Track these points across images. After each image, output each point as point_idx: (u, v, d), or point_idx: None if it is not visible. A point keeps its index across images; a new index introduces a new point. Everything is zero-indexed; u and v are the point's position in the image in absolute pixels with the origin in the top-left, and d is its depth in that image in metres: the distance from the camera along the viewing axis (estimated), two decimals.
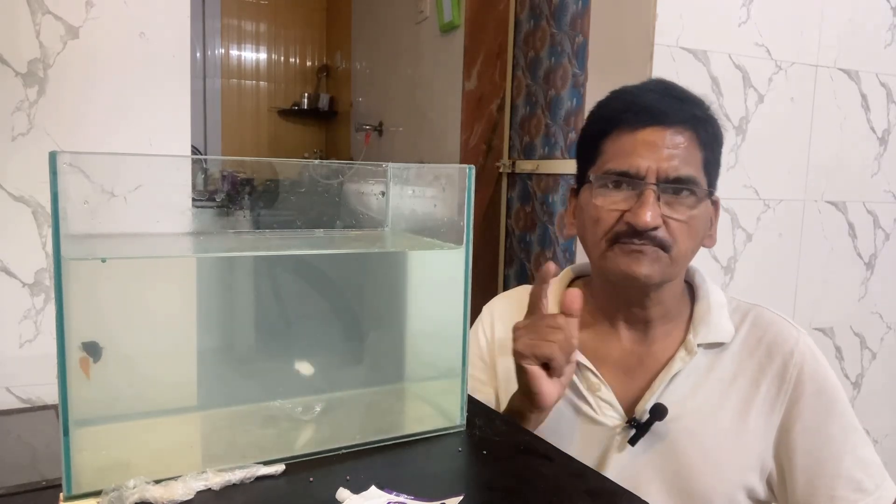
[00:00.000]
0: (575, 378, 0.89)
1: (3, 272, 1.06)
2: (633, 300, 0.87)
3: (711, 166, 0.84)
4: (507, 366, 0.97)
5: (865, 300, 1.70)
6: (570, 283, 0.99)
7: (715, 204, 0.88)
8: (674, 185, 0.80)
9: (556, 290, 0.97)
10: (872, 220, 1.69)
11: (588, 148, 0.87)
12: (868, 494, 0.82)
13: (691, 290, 0.92)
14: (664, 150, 0.79)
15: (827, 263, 1.63)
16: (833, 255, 1.64)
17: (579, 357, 0.89)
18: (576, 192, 0.91)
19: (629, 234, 0.80)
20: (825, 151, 1.59)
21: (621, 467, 0.85)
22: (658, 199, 0.79)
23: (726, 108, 1.45)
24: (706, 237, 0.87)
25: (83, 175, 0.61)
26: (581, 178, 0.89)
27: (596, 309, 0.93)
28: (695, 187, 0.80)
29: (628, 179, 0.80)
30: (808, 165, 1.57)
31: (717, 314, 0.87)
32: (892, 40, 1.63)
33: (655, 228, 0.79)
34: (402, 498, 0.65)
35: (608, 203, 0.82)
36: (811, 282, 1.61)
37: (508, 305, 1.01)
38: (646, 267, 0.80)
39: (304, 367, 0.79)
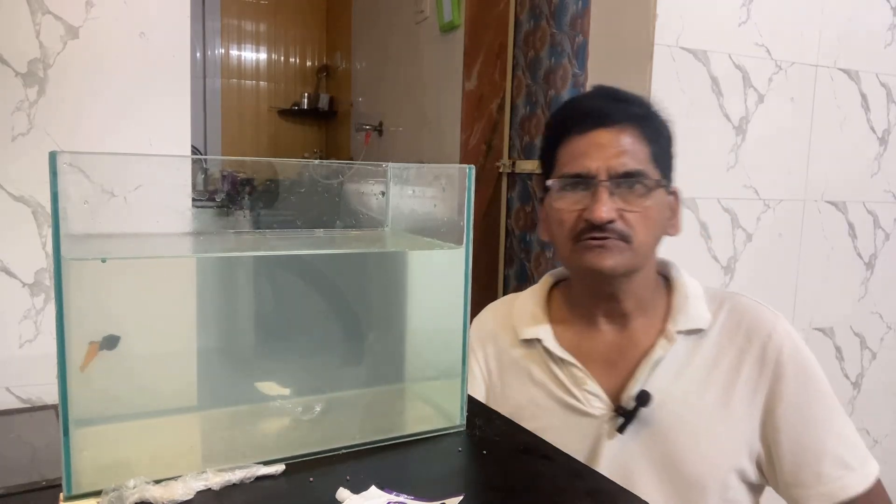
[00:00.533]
0: (561, 374, 0.91)
1: (4, 272, 1.06)
2: (607, 294, 0.91)
3: (661, 159, 0.88)
4: (508, 401, 0.97)
5: (865, 300, 1.71)
6: (551, 288, 1.00)
7: (673, 194, 0.92)
8: (624, 180, 0.85)
9: (538, 295, 0.99)
10: (872, 220, 1.69)
11: (545, 159, 0.93)
12: (853, 470, 0.84)
13: (668, 283, 0.95)
14: (611, 149, 0.85)
15: (827, 263, 1.63)
16: (833, 255, 1.64)
17: (563, 354, 0.91)
18: (542, 202, 0.95)
19: (589, 230, 0.85)
20: (825, 151, 1.59)
21: (613, 455, 0.87)
22: (611, 194, 0.84)
23: (726, 107, 1.45)
24: (669, 226, 0.92)
25: (83, 175, 0.61)
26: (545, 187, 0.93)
27: (576, 307, 0.96)
28: (644, 179, 0.85)
29: (582, 180, 0.86)
30: (808, 165, 1.57)
31: (694, 303, 0.91)
32: (893, 40, 1.63)
33: (612, 221, 0.84)
34: (402, 498, 0.65)
35: (568, 205, 0.87)
36: (811, 282, 1.61)
37: (494, 327, 1.02)
38: (609, 259, 0.85)
39: (270, 388, 0.79)
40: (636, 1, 1.37)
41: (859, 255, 1.68)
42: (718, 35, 1.42)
